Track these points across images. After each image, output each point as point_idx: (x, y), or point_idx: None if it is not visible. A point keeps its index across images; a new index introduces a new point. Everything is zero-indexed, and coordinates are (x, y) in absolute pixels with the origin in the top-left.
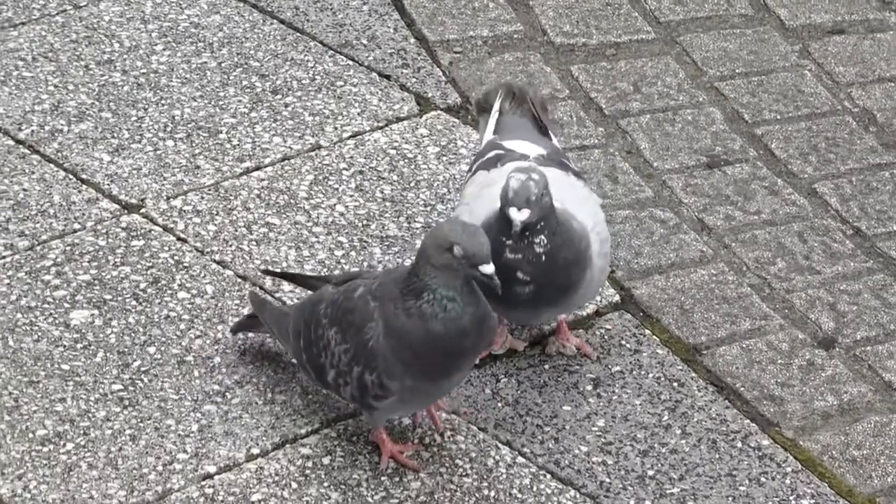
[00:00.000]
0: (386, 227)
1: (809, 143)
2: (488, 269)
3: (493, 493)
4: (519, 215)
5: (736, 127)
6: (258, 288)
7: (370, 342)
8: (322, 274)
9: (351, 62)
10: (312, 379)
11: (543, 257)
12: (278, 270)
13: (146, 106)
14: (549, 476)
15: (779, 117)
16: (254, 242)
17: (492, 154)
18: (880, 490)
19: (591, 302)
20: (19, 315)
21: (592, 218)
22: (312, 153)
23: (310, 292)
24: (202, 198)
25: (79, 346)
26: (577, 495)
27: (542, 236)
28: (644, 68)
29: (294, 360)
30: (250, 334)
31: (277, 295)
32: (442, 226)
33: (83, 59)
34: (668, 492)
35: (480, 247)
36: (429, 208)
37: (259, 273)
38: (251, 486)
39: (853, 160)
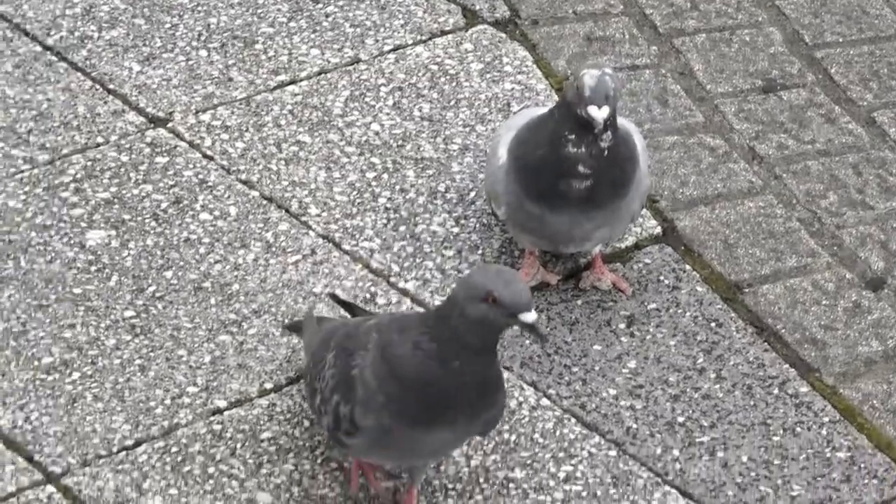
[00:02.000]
0: (422, 148)
1: (871, 69)
2: (530, 317)
3: (513, 438)
4: (600, 113)
5: (795, 49)
6: (285, 210)
7: (353, 370)
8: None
9: None
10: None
11: (606, 152)
12: (344, 299)
13: (181, 13)
14: (573, 420)
15: (841, 40)
16: (283, 162)
17: None
18: None
19: (630, 234)
20: (33, 234)
21: (633, 125)
22: (350, 67)
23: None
24: (232, 112)
25: (93, 268)
26: (602, 442)
27: (609, 133)
28: None
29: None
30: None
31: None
32: (473, 274)
33: None
34: (697, 440)
35: (520, 293)
36: (468, 129)
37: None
38: (262, 423)
39: None
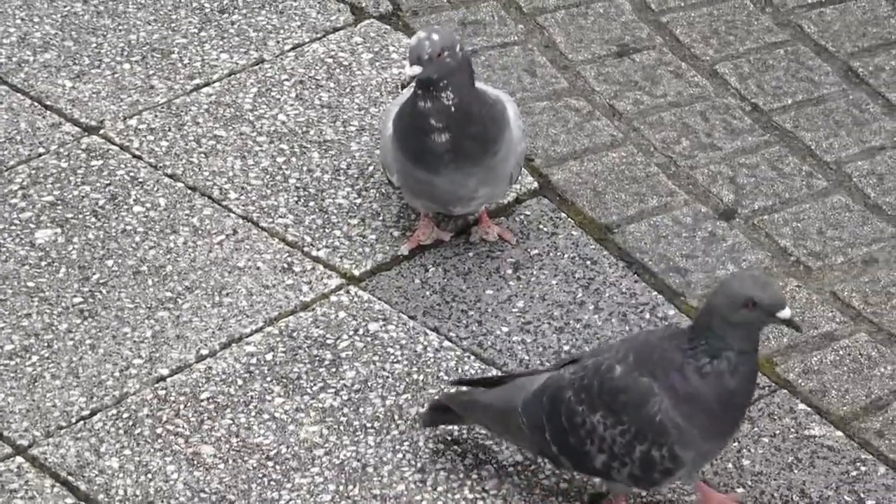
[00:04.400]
0: (324, 133)
1: (711, 28)
2: (785, 313)
3: (421, 377)
4: (409, 70)
5: (643, 16)
6: (207, 197)
7: (657, 416)
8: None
9: None
10: (567, 467)
11: (453, 108)
12: (465, 379)
13: (105, 32)
14: (473, 357)
15: (682, 4)
16: (203, 155)
17: None
18: (777, 350)
19: (510, 191)
20: None
21: (506, 95)
22: (256, 67)
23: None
24: (156, 116)
25: (43, 263)
26: (499, 374)
27: (449, 92)
28: None
29: (529, 453)
30: (448, 427)
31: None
32: (730, 282)
33: None
34: None
35: (776, 295)
36: (363, 112)
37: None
38: (200, 385)
39: (751, 41)
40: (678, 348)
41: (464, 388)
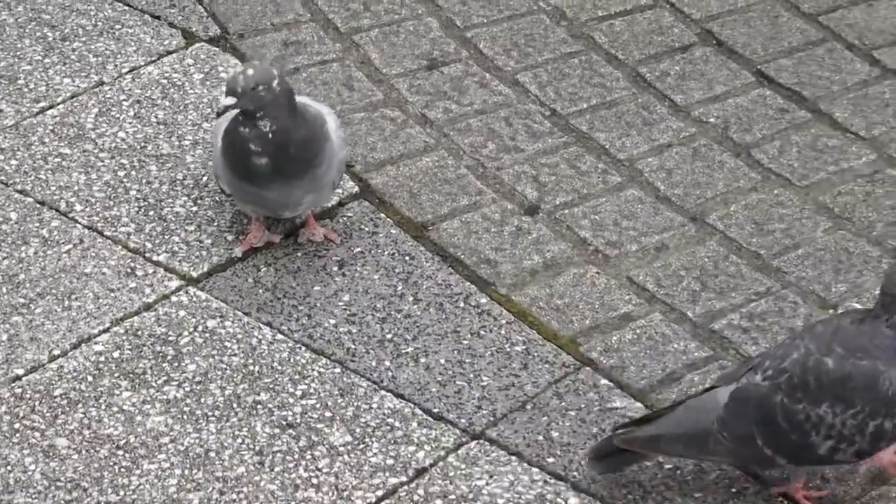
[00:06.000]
0: (161, 147)
1: (511, 41)
2: None
3: (257, 368)
4: (224, 100)
5: (450, 32)
6: (55, 210)
7: (890, 391)
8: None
9: (127, 7)
10: (776, 466)
11: (270, 135)
12: (623, 424)
13: None
14: (303, 348)
15: (485, 21)
16: (49, 171)
17: None
18: (580, 331)
19: (334, 195)
20: None
21: (327, 108)
22: (97, 89)
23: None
24: (5, 137)
25: None
26: (328, 362)
27: (266, 122)
28: None
29: (728, 464)
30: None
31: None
32: None
33: None
34: (403, 351)
35: None
36: (196, 127)
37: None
38: (54, 382)
39: (548, 52)
40: (881, 333)
41: (626, 431)
